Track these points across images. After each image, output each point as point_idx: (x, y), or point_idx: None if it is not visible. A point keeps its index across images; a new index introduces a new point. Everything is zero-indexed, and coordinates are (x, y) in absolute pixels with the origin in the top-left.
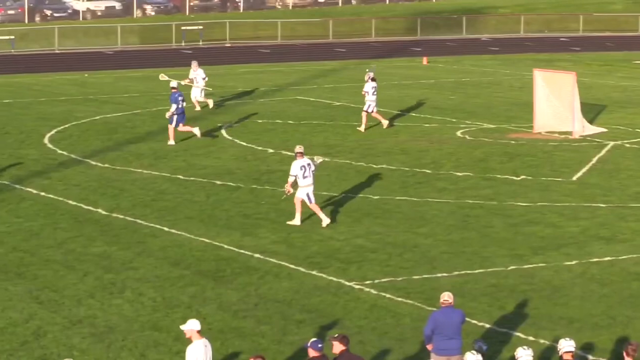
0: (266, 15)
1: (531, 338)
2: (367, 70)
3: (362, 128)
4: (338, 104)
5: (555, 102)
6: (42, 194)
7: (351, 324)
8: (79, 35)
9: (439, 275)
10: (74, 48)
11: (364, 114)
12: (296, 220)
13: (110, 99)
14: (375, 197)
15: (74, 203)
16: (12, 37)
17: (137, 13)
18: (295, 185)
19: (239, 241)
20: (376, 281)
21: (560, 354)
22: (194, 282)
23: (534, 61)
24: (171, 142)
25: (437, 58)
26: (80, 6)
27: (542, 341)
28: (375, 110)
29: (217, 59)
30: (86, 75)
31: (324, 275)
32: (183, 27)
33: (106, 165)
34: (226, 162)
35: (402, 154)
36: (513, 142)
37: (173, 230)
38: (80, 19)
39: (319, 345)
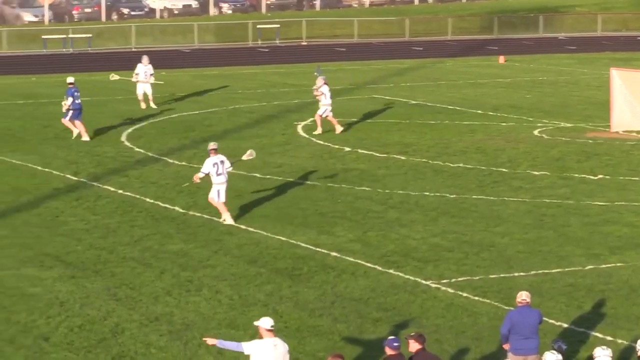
0: (342, 13)
1: (609, 338)
2: (316, 73)
3: (319, 131)
4: (414, 102)
5: (633, 101)
6: (120, 191)
7: (428, 323)
8: (155, 33)
9: (516, 274)
10: (151, 46)
11: (318, 118)
12: (228, 219)
13: (187, 97)
14: (452, 196)
15: (151, 201)
16: (90, 35)
17: (213, 11)
18: (209, 182)
19: (315, 239)
20: (453, 280)
21: (638, 354)
22: (270, 280)
23: (611, 60)
24: (85, 137)
25: (513, 57)
26: (157, 4)
27: (620, 341)
28: (330, 114)
29: (293, 57)
30: (163, 73)
31: (400, 274)
32: (259, 26)
33: (183, 163)
34: (302, 160)
35: (478, 152)
36: (590, 141)
37: (249, 229)
38: (157, 17)
39: (396, 344)
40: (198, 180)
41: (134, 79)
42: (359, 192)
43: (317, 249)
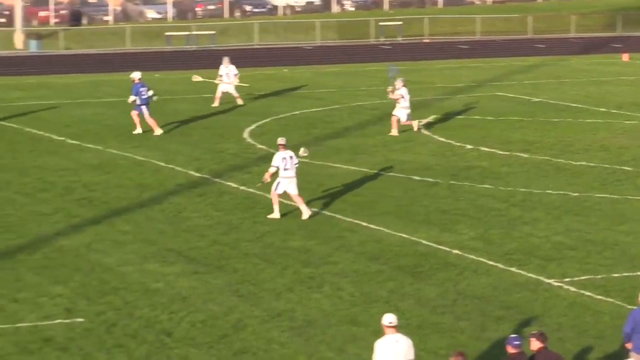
0: (465, 11)
1: None
2: (390, 74)
3: (395, 132)
4: (537, 100)
5: None
6: (242, 188)
7: (550, 321)
8: (278, 30)
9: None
10: (274, 43)
11: (394, 121)
12: (275, 214)
13: (309, 94)
14: (575, 194)
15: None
16: (213, 32)
17: (336, 8)
18: (275, 176)
19: (437, 237)
20: (575, 279)
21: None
22: (392, 277)
23: None
24: (158, 131)
25: (637, 54)
26: (280, 2)
27: None
28: (408, 119)
29: (416, 54)
30: (285, 70)
31: (522, 272)
32: (381, 23)
33: (305, 160)
34: (424, 157)
35: (601, 150)
36: None
37: (371, 225)
38: (280, 14)
39: (517, 342)
40: (269, 179)
41: (217, 81)
42: (481, 190)
43: (439, 247)
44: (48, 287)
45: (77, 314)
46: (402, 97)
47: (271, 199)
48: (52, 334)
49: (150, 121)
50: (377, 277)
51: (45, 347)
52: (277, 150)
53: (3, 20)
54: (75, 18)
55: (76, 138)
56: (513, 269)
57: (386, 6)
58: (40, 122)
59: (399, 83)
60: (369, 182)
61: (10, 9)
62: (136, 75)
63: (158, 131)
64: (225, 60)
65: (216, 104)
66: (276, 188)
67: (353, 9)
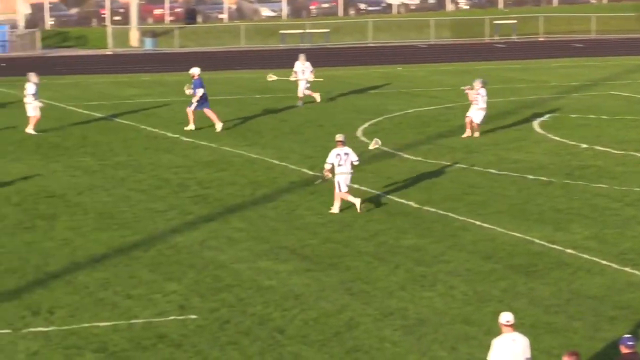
0: (580, 9)
1: None
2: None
3: (467, 134)
4: None
5: None
6: (355, 186)
7: None
8: (392, 28)
9: None
10: (387, 41)
11: (468, 122)
12: (334, 209)
13: (423, 92)
14: None
15: (386, 195)
16: (327, 30)
17: (450, 7)
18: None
19: (551, 236)
20: None
21: None
22: (505, 276)
23: None
24: (219, 125)
25: None
26: (395, 0)
27: None
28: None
29: (530, 53)
30: (399, 68)
31: (637, 272)
32: (496, 21)
33: (419, 158)
34: (538, 156)
35: None
36: None
37: (484, 224)
38: (394, 12)
39: (630, 343)
40: (329, 174)
41: (292, 78)
42: (595, 189)
43: (553, 246)
44: (162, 284)
45: (191, 311)
46: (479, 98)
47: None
48: (165, 331)
49: (212, 115)
50: (490, 276)
51: (159, 344)
52: (336, 146)
53: (118, 18)
54: (190, 16)
55: (190, 135)
56: (627, 269)
57: (501, 4)
58: (155, 120)
59: (477, 84)
60: (482, 181)
61: (126, 7)
62: (195, 70)
63: (219, 125)
64: (302, 57)
65: (300, 103)
66: (338, 188)
67: (467, 7)
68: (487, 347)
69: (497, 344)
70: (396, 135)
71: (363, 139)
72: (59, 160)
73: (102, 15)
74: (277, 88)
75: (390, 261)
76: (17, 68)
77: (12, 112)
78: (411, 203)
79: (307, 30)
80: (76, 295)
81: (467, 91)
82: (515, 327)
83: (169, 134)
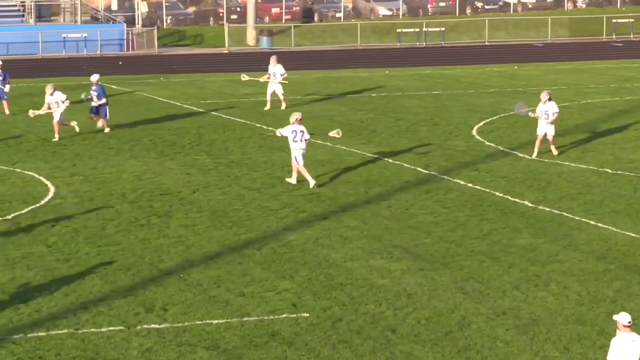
0: None
1: None
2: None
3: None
4: None
5: None
6: (469, 185)
7: None
8: (509, 27)
9: None
10: (504, 40)
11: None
12: (292, 180)
13: (538, 91)
14: None
15: (500, 195)
16: (443, 29)
17: (568, 5)
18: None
19: None
20: None
21: None
22: (619, 276)
23: None
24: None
25: None
26: None
27: None
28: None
29: None
30: (515, 67)
31: None
32: (614, 20)
33: (533, 157)
34: None
35: None
36: None
37: (599, 224)
38: (511, 11)
39: None
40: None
41: (262, 80)
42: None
43: None
44: (274, 282)
45: (303, 309)
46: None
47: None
48: (277, 329)
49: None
50: (604, 276)
51: (271, 342)
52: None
53: (235, 16)
54: (306, 15)
55: None
56: None
57: (619, 3)
58: (269, 118)
59: (545, 95)
60: (598, 180)
61: (243, 6)
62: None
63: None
64: (273, 58)
65: (268, 106)
66: (296, 162)
67: (584, 6)
68: (600, 348)
69: (616, 344)
70: (511, 134)
71: (478, 137)
72: (174, 158)
73: (219, 14)
74: (393, 86)
75: (503, 260)
76: (134, 66)
77: (129, 110)
78: (525, 202)
79: (424, 29)
80: (189, 293)
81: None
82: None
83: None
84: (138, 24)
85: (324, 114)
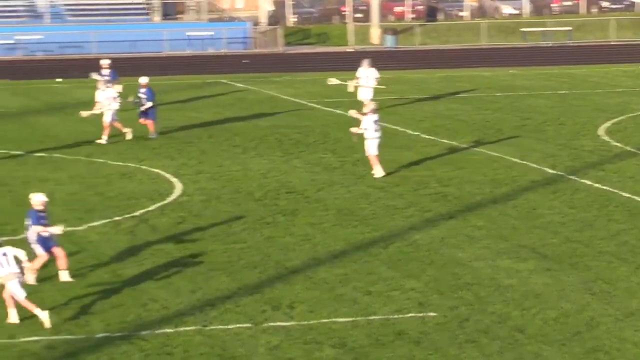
0: None
1: None
2: None
3: None
4: None
5: None
6: (596, 185)
7: None
8: (636, 27)
9: None
10: (631, 40)
11: None
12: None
13: None
14: None
15: (628, 195)
16: (570, 28)
17: None
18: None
19: None
20: None
21: None
22: None
23: None
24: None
25: None
26: None
27: None
28: None
29: None
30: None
31: None
32: None
33: None
34: None
35: None
36: None
37: None
38: (638, 10)
39: None
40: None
41: (353, 83)
42: None
43: None
44: (400, 281)
45: (430, 308)
46: None
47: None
48: (404, 328)
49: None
50: None
51: (398, 340)
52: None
53: (360, 15)
54: (430, 13)
55: (430, 133)
56: None
57: None
58: (395, 117)
59: None
60: None
61: (367, 5)
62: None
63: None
64: (365, 62)
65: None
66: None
67: None
68: None
69: None
70: (639, 134)
71: (605, 137)
72: (299, 157)
73: (344, 13)
74: (518, 86)
75: (632, 261)
76: (259, 65)
77: (253, 109)
78: None
79: (549, 28)
80: (316, 291)
81: None
82: None
83: (409, 131)
84: (263, 22)
85: (448, 113)
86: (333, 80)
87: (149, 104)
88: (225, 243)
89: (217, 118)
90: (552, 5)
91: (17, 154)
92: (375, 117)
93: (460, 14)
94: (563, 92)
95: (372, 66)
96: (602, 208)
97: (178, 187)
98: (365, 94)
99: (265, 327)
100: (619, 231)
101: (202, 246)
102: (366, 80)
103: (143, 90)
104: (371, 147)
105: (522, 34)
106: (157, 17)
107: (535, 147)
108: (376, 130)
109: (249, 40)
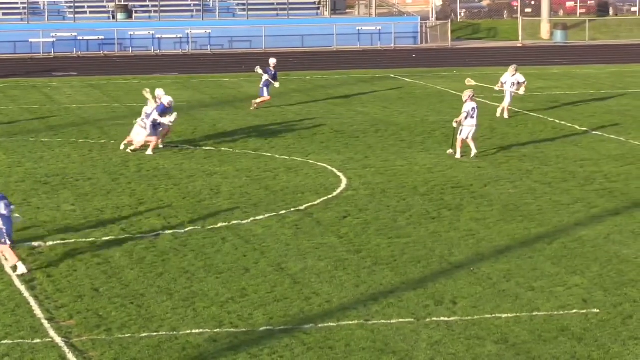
0: None
1: None
2: None
3: None
4: None
5: None
6: None
7: None
8: None
9: None
10: None
11: None
12: (457, 154)
13: None
14: None
15: None
16: None
17: None
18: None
19: None
20: None
21: None
22: None
23: None
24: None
25: None
26: None
27: None
28: None
29: None
30: None
31: None
32: None
33: None
34: None
35: None
36: None
37: None
38: None
39: None
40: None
41: (497, 87)
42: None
43: None
44: (565, 277)
45: (593, 305)
46: None
47: None
48: (567, 324)
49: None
50: None
51: (560, 337)
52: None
53: (529, 10)
54: (601, 9)
55: (599, 129)
56: None
57: None
58: (563, 113)
59: None
60: None
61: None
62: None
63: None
64: (512, 67)
65: (498, 114)
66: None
67: None
68: None
69: None
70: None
71: None
72: (466, 152)
73: (514, 7)
74: None
75: None
76: (427, 59)
77: (422, 103)
78: None
79: None
80: (479, 286)
81: None
82: None
83: (577, 127)
84: (432, 17)
85: (619, 109)
86: (470, 81)
87: (277, 84)
88: (390, 237)
89: (384, 112)
90: None
91: (185, 147)
92: (474, 104)
93: (632, 9)
94: None
95: (517, 72)
96: None
97: (344, 182)
98: (507, 100)
99: (428, 322)
100: None
101: (366, 240)
102: (510, 86)
103: (272, 71)
104: (463, 132)
105: None
106: (326, 12)
107: None
108: (472, 117)
109: (418, 34)
